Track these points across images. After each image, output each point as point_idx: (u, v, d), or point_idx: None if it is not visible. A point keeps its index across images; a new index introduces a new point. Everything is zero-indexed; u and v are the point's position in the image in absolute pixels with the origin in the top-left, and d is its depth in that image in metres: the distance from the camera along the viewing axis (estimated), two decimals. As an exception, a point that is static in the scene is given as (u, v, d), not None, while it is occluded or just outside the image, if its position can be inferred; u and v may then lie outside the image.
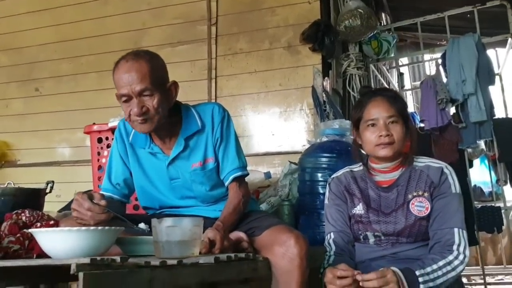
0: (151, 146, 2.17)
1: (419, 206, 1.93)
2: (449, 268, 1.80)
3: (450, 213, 1.90)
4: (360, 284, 1.70)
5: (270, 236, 1.98)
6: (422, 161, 2.03)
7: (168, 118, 2.09)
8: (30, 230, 1.60)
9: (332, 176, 2.20)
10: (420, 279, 1.73)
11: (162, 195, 2.22)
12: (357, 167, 2.15)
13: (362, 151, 2.11)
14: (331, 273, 1.75)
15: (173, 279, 1.44)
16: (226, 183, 2.18)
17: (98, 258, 1.21)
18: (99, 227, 1.49)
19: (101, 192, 2.24)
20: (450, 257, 1.81)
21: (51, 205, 2.93)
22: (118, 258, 1.26)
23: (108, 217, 1.83)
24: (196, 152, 2.16)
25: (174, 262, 1.47)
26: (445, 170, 1.97)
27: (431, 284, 1.75)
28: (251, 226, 2.10)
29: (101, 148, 3.26)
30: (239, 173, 2.18)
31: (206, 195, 2.19)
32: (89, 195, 1.83)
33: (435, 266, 1.78)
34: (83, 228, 1.45)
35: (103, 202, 1.81)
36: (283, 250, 1.90)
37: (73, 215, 1.84)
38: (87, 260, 1.17)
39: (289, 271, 1.87)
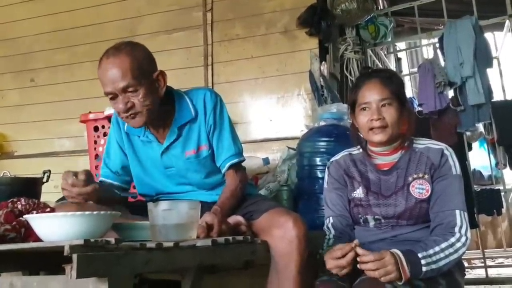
0: (146, 134, 2.16)
1: (420, 189, 1.92)
2: (451, 250, 1.78)
3: (451, 195, 1.89)
4: (358, 266, 1.69)
5: (268, 219, 1.97)
6: (422, 143, 2.01)
7: (161, 107, 2.07)
8: (25, 216, 1.58)
9: (331, 160, 2.18)
10: (423, 261, 1.71)
11: (158, 183, 2.21)
12: (356, 150, 2.13)
13: (360, 135, 2.10)
14: (330, 257, 1.74)
15: (170, 261, 1.43)
16: (223, 170, 2.17)
17: (92, 240, 1.19)
18: (95, 212, 1.47)
19: (101, 178, 2.24)
20: (452, 239, 1.80)
21: (49, 196, 2.91)
22: (112, 240, 1.24)
23: (95, 189, 1.82)
24: (189, 140, 2.15)
25: (171, 244, 1.46)
26: (446, 152, 1.95)
27: (433, 266, 1.73)
28: (249, 210, 2.10)
29: (98, 136, 3.26)
30: (235, 160, 2.17)
31: (202, 182, 2.19)
32: (73, 172, 1.81)
33: (437, 249, 1.77)
34: (78, 213, 1.43)
35: (81, 177, 1.78)
36: (281, 233, 1.89)
37: (64, 194, 1.83)
38: (80, 242, 1.15)
39: (288, 253, 1.86)
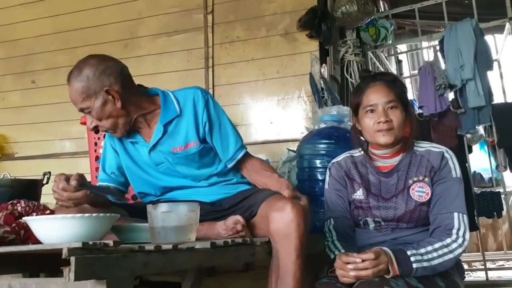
0: (134, 136, 2.20)
1: (420, 191, 1.93)
2: (446, 250, 1.79)
3: (451, 197, 1.89)
4: (351, 266, 1.70)
5: (267, 206, 1.96)
6: (423, 146, 2.02)
7: (141, 111, 2.14)
8: (24, 218, 1.59)
9: (332, 161, 2.19)
10: (412, 259, 1.73)
11: (154, 178, 2.23)
12: (357, 152, 2.14)
13: (362, 137, 2.10)
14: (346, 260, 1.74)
15: (169, 263, 1.43)
16: (233, 162, 2.21)
17: (91, 242, 1.19)
18: (94, 214, 1.47)
19: (98, 183, 2.26)
20: (448, 240, 1.81)
21: (49, 198, 2.91)
22: (111, 243, 1.24)
23: (85, 195, 1.82)
24: (176, 136, 2.17)
25: (169, 246, 1.46)
26: (446, 155, 1.96)
27: (425, 264, 1.75)
28: (248, 205, 2.09)
29: (98, 138, 3.26)
30: (245, 150, 2.24)
31: (193, 174, 2.20)
32: (66, 176, 1.82)
33: (429, 248, 1.78)
34: (78, 215, 1.43)
35: (74, 183, 1.79)
36: (279, 215, 1.85)
37: (54, 197, 1.84)
38: (78, 245, 1.15)
39: (286, 235, 1.83)
